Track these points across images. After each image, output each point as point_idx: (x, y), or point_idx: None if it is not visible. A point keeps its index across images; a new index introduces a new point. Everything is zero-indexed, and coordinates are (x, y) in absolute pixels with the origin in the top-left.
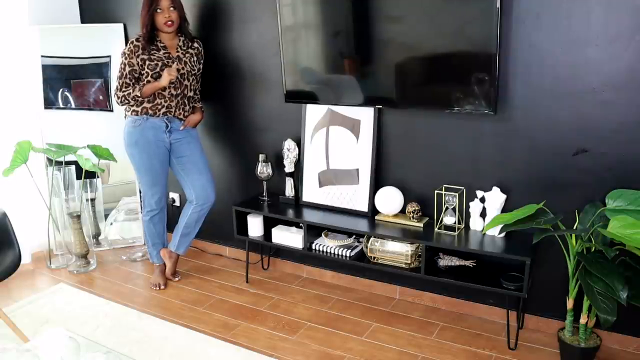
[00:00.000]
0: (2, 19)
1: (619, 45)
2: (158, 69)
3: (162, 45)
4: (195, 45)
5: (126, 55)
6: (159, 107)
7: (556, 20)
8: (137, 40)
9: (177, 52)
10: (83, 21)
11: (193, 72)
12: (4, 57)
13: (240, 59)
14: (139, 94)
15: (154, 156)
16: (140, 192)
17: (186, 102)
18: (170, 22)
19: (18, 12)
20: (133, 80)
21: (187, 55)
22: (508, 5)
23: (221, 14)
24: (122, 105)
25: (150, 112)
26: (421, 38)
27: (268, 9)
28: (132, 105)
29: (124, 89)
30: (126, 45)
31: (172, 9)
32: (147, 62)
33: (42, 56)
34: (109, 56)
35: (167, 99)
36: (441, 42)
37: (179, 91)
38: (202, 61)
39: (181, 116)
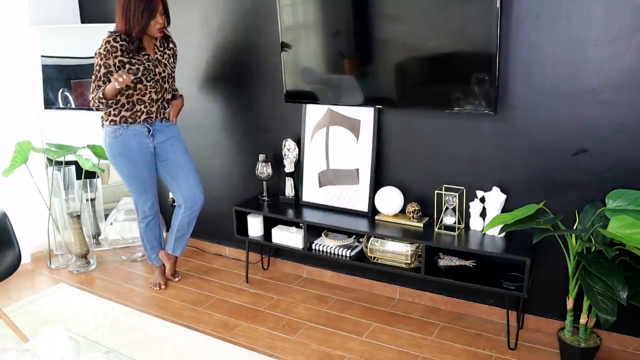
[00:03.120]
0: (2, 19)
1: (619, 45)
2: (140, 74)
3: (141, 46)
4: (171, 45)
5: (102, 55)
6: (139, 113)
7: (556, 20)
8: (114, 40)
9: (156, 53)
10: (83, 21)
11: (173, 74)
12: (4, 57)
13: (240, 59)
14: (101, 95)
15: (140, 164)
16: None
17: (165, 105)
18: (162, 28)
19: (18, 12)
20: (107, 84)
21: (165, 56)
22: (508, 5)
23: (222, 14)
24: (98, 110)
25: (130, 120)
26: (421, 38)
27: (268, 9)
28: (106, 108)
29: (94, 92)
30: (101, 44)
31: (163, 14)
32: (128, 66)
33: (42, 56)
34: None
35: (147, 104)
36: (441, 42)
37: (159, 95)
38: (176, 59)
39: (160, 118)
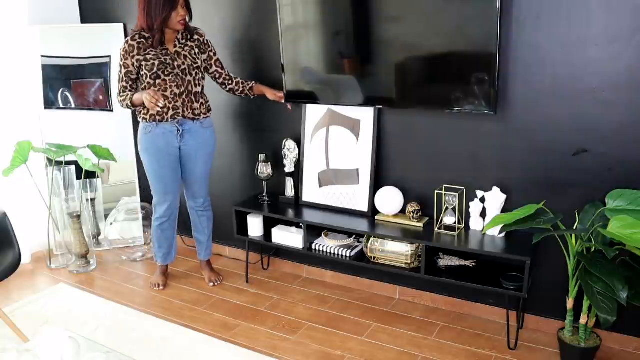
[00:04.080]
0: (2, 19)
1: (619, 45)
2: (155, 69)
3: (163, 40)
4: (196, 37)
5: (122, 56)
6: (166, 110)
7: (556, 20)
8: (132, 39)
9: (175, 47)
10: (83, 21)
11: (196, 65)
12: (4, 57)
13: (240, 58)
14: (129, 103)
15: (164, 164)
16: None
17: (193, 99)
18: (183, 21)
19: (18, 12)
20: (130, 83)
21: (186, 48)
22: (508, 5)
23: (222, 14)
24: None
25: (158, 118)
26: (421, 38)
27: (268, 9)
28: (131, 109)
29: (122, 94)
30: (123, 44)
31: (184, 6)
32: (144, 63)
33: (42, 56)
34: (109, 56)
35: (170, 99)
36: (441, 42)
37: (182, 89)
38: (210, 49)
39: (191, 115)
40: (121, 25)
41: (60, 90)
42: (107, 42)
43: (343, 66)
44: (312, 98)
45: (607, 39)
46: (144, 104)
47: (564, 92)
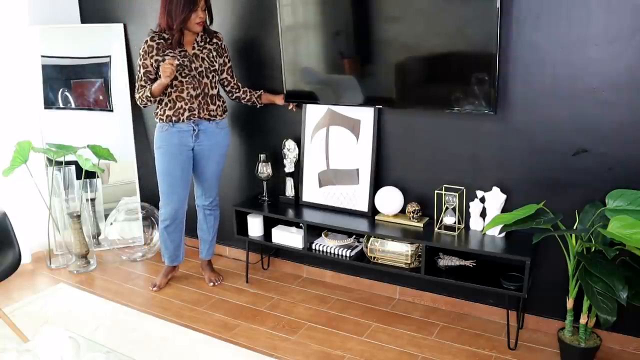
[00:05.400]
0: (2, 19)
1: (619, 45)
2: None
3: (181, 41)
4: (215, 40)
5: (141, 56)
6: (181, 111)
7: (556, 20)
8: (151, 39)
9: (194, 49)
10: (83, 21)
11: (213, 68)
12: (4, 57)
13: (240, 58)
14: (149, 94)
15: (174, 162)
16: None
17: (209, 100)
18: (202, 23)
19: (18, 12)
20: (149, 83)
21: (204, 51)
22: (508, 5)
23: (222, 14)
24: (144, 107)
25: (174, 118)
26: (421, 38)
27: (268, 9)
28: (151, 105)
29: (140, 91)
30: (142, 44)
31: (204, 9)
32: (161, 64)
33: (42, 56)
34: (109, 56)
35: (186, 101)
36: (441, 42)
37: (198, 91)
38: (226, 54)
39: (207, 116)
40: (121, 25)
41: (60, 90)
42: (107, 42)
43: (343, 66)
44: (312, 98)
45: (607, 39)
46: (164, 92)
47: (564, 92)
